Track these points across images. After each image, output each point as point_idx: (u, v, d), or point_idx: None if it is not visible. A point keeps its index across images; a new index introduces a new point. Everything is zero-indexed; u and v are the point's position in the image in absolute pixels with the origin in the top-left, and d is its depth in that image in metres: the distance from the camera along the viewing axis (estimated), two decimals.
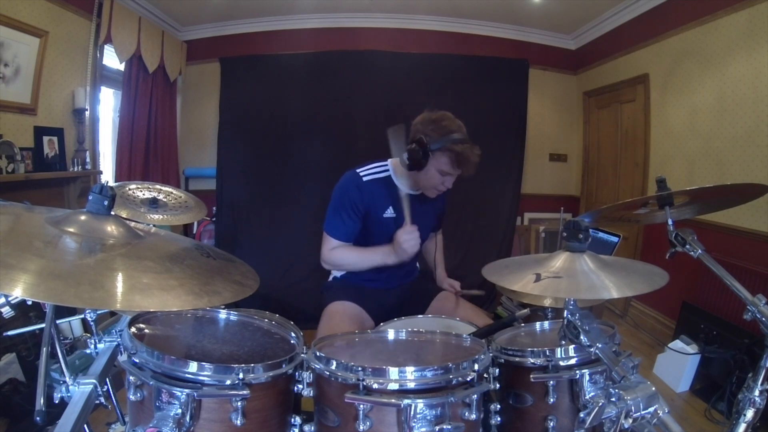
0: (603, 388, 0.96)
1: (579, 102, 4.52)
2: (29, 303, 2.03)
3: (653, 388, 0.77)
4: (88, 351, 1.10)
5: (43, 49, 2.72)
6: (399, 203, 1.58)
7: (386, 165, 1.66)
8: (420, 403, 0.84)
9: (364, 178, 1.62)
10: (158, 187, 1.73)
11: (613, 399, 0.76)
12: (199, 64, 4.31)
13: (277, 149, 4.15)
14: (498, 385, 1.00)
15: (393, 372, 0.87)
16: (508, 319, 1.34)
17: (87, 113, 3.09)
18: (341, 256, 1.64)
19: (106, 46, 3.25)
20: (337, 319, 1.54)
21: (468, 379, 0.91)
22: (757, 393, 0.95)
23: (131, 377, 0.85)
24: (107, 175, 3.54)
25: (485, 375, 0.96)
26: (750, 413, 0.95)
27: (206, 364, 0.84)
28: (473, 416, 0.89)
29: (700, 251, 1.12)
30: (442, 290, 1.77)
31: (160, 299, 0.71)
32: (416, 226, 1.51)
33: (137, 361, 0.86)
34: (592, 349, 0.88)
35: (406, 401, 0.83)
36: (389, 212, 1.63)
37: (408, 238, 1.48)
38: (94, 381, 0.95)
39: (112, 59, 3.41)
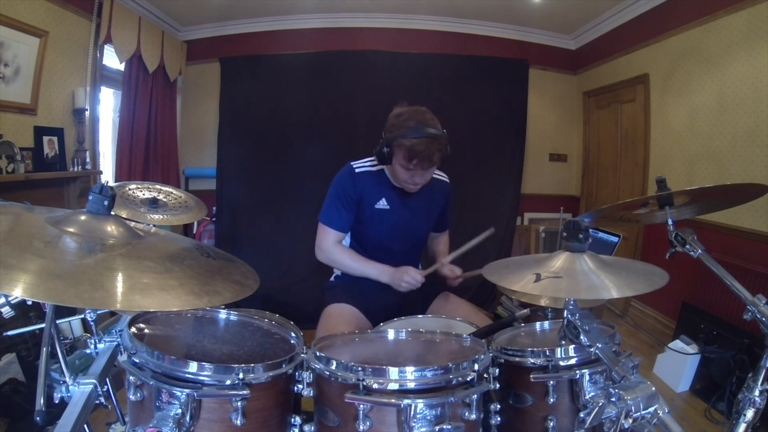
0: (603, 388, 0.96)
1: (579, 102, 4.52)
2: (29, 303, 2.03)
3: (653, 388, 0.77)
4: (88, 351, 1.10)
5: (43, 49, 2.72)
6: (393, 197, 1.68)
7: None
8: (420, 403, 0.84)
9: (357, 170, 1.69)
10: (158, 187, 1.73)
11: (613, 399, 0.76)
12: (199, 64, 4.31)
13: (277, 149, 4.15)
14: (498, 385, 1.00)
15: (393, 372, 0.87)
16: (508, 319, 1.34)
17: (87, 113, 3.09)
18: (341, 256, 1.71)
19: (106, 46, 3.25)
20: (334, 321, 1.56)
21: (468, 379, 0.91)
22: (757, 393, 0.95)
23: (131, 377, 0.85)
24: (107, 175, 3.54)
25: (485, 375, 0.96)
26: (750, 413, 0.95)
27: (206, 364, 0.84)
28: (473, 416, 0.89)
29: (700, 251, 1.12)
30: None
31: (160, 299, 0.71)
32: (423, 278, 1.61)
33: (137, 361, 0.86)
34: (592, 349, 0.88)
35: (406, 401, 0.83)
36: (382, 203, 1.69)
37: (411, 280, 1.58)
38: (94, 381, 0.95)
39: (112, 59, 3.41)
